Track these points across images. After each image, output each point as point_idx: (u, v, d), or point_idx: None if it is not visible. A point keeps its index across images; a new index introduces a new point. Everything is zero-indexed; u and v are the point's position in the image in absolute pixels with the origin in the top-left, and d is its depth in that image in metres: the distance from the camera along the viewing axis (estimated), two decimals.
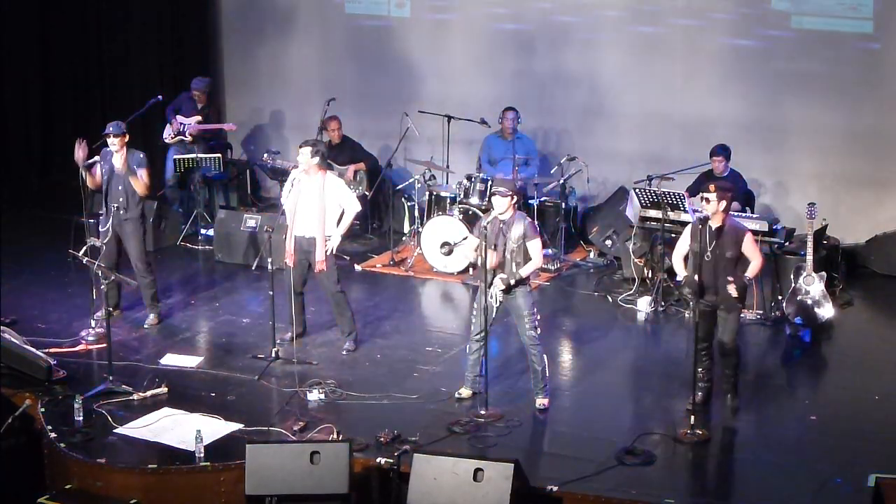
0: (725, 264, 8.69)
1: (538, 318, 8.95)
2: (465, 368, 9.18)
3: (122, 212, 10.27)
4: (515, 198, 8.89)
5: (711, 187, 8.71)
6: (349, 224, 10.00)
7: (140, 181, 10.27)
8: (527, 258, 8.80)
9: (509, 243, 8.77)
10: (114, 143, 10.20)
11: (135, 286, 10.37)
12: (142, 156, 10.40)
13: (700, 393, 8.90)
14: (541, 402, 9.00)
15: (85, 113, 14.90)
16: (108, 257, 10.23)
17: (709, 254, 8.68)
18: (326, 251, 9.76)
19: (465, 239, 11.07)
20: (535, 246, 8.80)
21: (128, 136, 10.31)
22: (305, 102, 14.15)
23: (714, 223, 8.72)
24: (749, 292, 9.48)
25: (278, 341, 9.86)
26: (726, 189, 8.87)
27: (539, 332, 8.94)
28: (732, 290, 8.59)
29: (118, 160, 10.27)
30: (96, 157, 10.54)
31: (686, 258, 8.90)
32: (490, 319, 8.91)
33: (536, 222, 9.97)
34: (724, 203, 8.71)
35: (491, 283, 8.80)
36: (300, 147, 9.75)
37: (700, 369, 8.89)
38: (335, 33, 14.32)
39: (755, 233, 9.47)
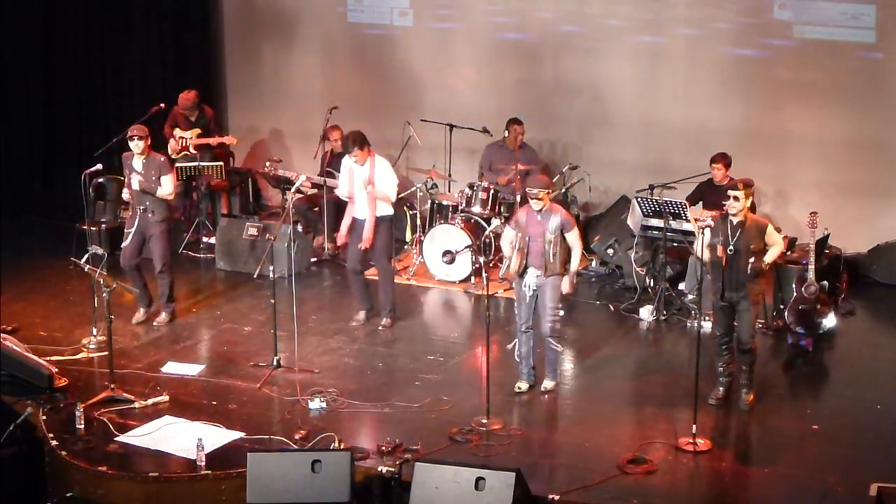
0: (748, 258, 8.81)
1: (561, 311, 9.25)
2: (518, 364, 9.40)
3: (149, 214, 10.44)
4: (551, 190, 9.26)
5: (740, 185, 8.85)
6: (381, 196, 10.41)
7: (163, 190, 10.44)
8: (566, 248, 9.09)
9: (547, 234, 9.04)
10: (138, 146, 10.35)
11: (137, 293, 10.44)
12: (163, 160, 10.58)
13: (721, 388, 9.11)
14: (547, 384, 9.32)
15: (88, 121, 14.92)
16: (130, 256, 10.51)
17: (731, 247, 8.80)
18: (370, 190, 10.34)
19: (467, 247, 11.12)
20: (574, 235, 9.14)
21: (149, 140, 10.48)
22: (307, 111, 14.16)
23: (736, 218, 8.84)
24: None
25: (353, 323, 10.65)
26: (750, 185, 9.02)
27: (559, 324, 9.26)
28: (756, 266, 8.79)
29: (139, 164, 10.38)
30: (99, 166, 10.64)
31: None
32: (532, 308, 9.20)
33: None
34: (750, 199, 8.94)
35: (522, 273, 9.10)
36: (353, 150, 10.29)
37: (720, 364, 9.12)
38: (337, 42, 14.34)
39: None
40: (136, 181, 10.40)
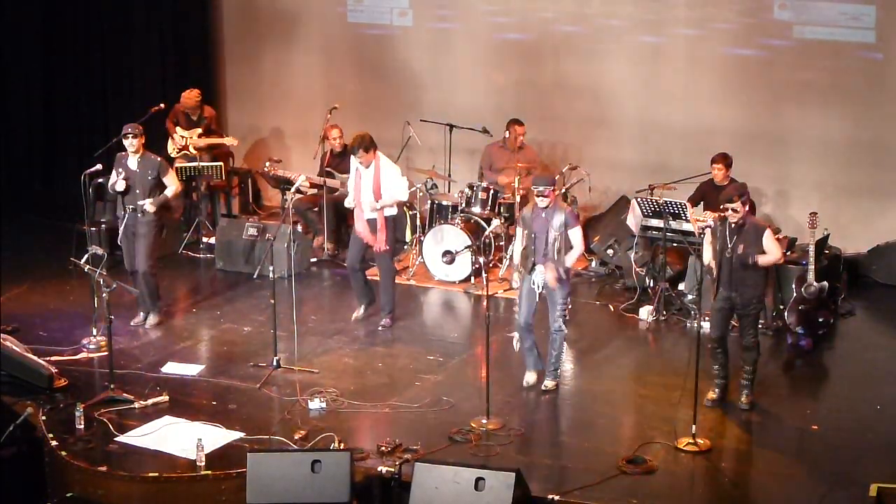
0: (746, 261, 8.84)
1: (569, 307, 9.36)
2: (524, 357, 9.49)
3: (139, 214, 10.40)
4: (556, 189, 9.36)
5: (735, 197, 8.87)
6: (390, 203, 10.45)
7: (171, 190, 10.51)
8: (568, 246, 9.14)
9: (552, 231, 9.10)
10: (132, 143, 10.31)
11: (136, 293, 10.42)
12: (159, 160, 10.53)
13: (717, 389, 9.15)
14: (548, 383, 9.36)
15: (88, 121, 14.92)
16: (130, 262, 10.53)
17: (729, 250, 8.85)
18: (377, 206, 10.36)
19: (467, 247, 11.12)
20: (576, 234, 9.18)
21: (144, 138, 10.44)
22: (307, 111, 14.16)
23: (735, 222, 8.91)
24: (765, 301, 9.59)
25: (352, 317, 10.73)
26: (743, 193, 9.03)
27: (567, 320, 9.34)
28: (743, 255, 8.84)
29: (133, 162, 10.36)
30: (99, 166, 10.64)
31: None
32: (534, 305, 9.26)
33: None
34: (747, 205, 9.01)
35: (531, 270, 9.16)
36: (358, 152, 10.29)
37: (715, 365, 9.15)
38: (337, 42, 14.34)
39: None
40: (120, 185, 10.30)
